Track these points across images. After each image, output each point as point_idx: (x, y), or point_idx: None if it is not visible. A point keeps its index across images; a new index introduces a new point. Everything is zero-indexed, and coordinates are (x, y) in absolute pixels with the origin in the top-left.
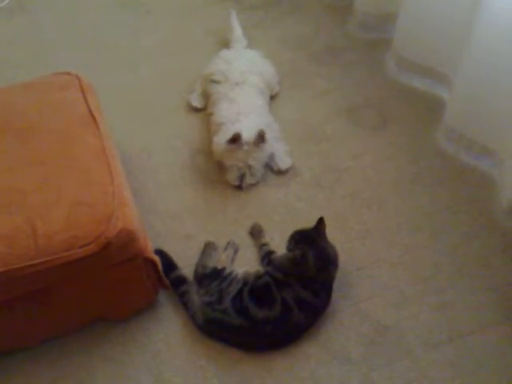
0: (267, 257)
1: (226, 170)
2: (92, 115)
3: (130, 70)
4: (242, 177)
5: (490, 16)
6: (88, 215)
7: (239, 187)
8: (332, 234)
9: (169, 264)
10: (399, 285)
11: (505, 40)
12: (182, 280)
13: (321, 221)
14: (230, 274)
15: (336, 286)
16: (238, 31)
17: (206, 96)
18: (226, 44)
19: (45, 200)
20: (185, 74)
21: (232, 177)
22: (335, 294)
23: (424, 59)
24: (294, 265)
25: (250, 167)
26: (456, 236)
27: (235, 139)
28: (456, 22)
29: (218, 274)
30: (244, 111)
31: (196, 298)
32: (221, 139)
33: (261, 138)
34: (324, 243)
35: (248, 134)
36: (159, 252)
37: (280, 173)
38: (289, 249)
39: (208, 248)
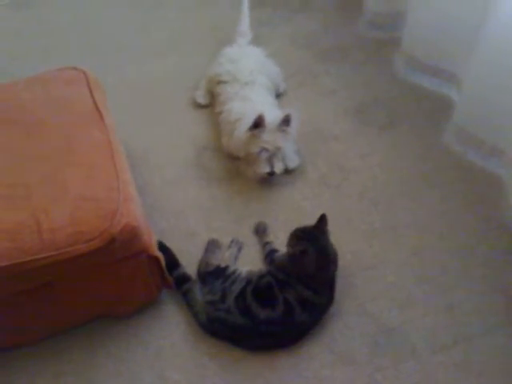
0: (270, 255)
1: (252, 161)
2: (98, 110)
3: (136, 65)
4: (271, 162)
5: (499, 16)
6: (93, 210)
7: (271, 174)
8: (338, 234)
9: (172, 262)
10: (405, 286)
11: None
12: (185, 278)
13: (322, 218)
14: (234, 272)
15: (341, 286)
16: (245, 23)
17: (212, 94)
18: (231, 40)
19: (50, 195)
20: (191, 71)
21: (261, 164)
22: (340, 295)
23: (433, 58)
24: (292, 262)
25: (278, 149)
26: (464, 237)
27: (258, 123)
28: (465, 22)
29: (221, 272)
30: (259, 107)
31: (199, 296)
32: (242, 130)
33: (286, 121)
34: (325, 241)
35: (271, 118)
36: (160, 244)
37: (287, 171)
38: (290, 246)
39: (211, 245)
